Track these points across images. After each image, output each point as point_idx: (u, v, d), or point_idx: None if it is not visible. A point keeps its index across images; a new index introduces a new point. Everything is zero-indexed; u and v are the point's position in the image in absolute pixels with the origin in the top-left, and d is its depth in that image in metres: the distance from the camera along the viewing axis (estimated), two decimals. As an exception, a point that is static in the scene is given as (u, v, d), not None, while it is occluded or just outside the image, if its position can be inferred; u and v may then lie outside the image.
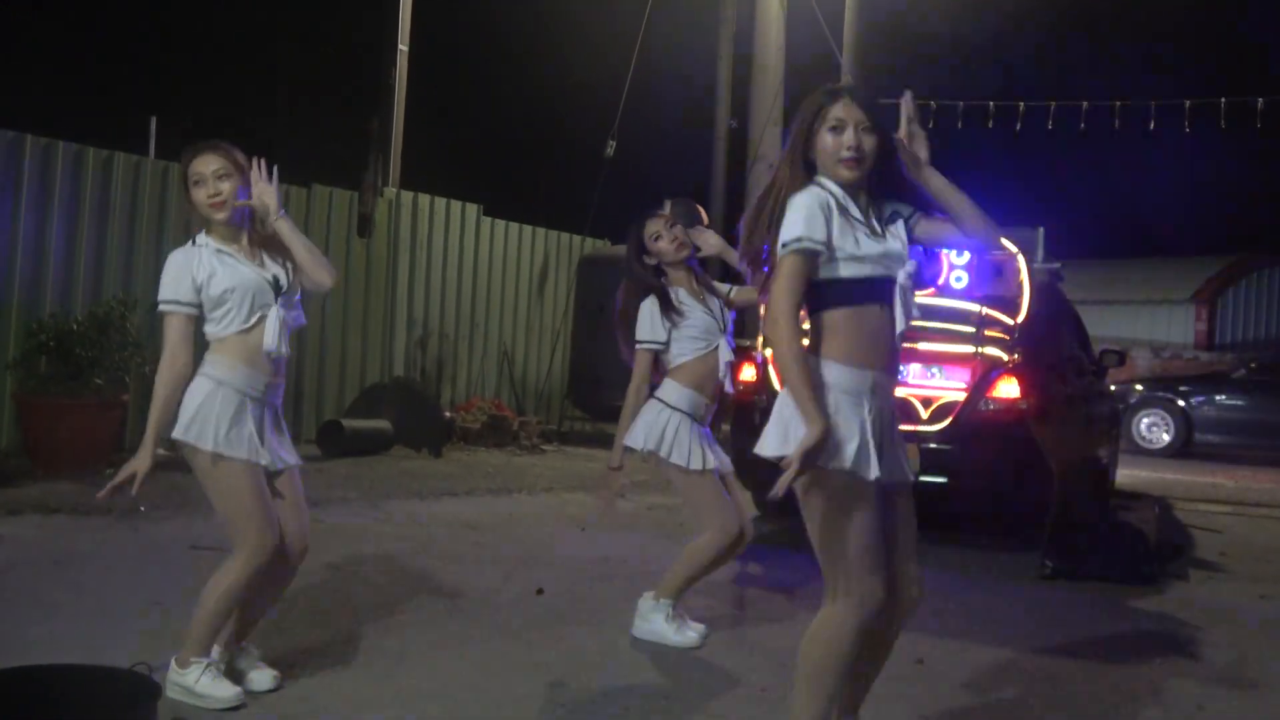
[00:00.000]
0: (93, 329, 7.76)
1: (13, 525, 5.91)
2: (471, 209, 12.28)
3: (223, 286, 3.45)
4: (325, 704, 3.54)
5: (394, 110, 12.13)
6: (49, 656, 3.53)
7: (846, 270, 2.78)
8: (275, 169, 3.60)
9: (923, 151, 2.83)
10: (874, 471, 2.73)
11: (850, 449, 2.70)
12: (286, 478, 3.59)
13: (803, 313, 2.83)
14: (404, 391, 10.52)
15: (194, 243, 3.53)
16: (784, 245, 2.75)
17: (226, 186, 3.47)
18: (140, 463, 3.34)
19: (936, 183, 2.83)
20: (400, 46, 12.31)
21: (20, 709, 2.78)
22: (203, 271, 3.46)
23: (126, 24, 21.02)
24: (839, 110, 2.81)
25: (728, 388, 4.45)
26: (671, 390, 4.36)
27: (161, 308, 3.48)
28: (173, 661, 3.49)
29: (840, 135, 2.80)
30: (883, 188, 2.89)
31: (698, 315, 4.35)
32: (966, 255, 7.08)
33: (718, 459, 4.42)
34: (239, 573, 3.43)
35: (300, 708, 3.50)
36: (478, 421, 10.97)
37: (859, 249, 2.78)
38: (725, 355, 4.37)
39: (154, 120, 9.29)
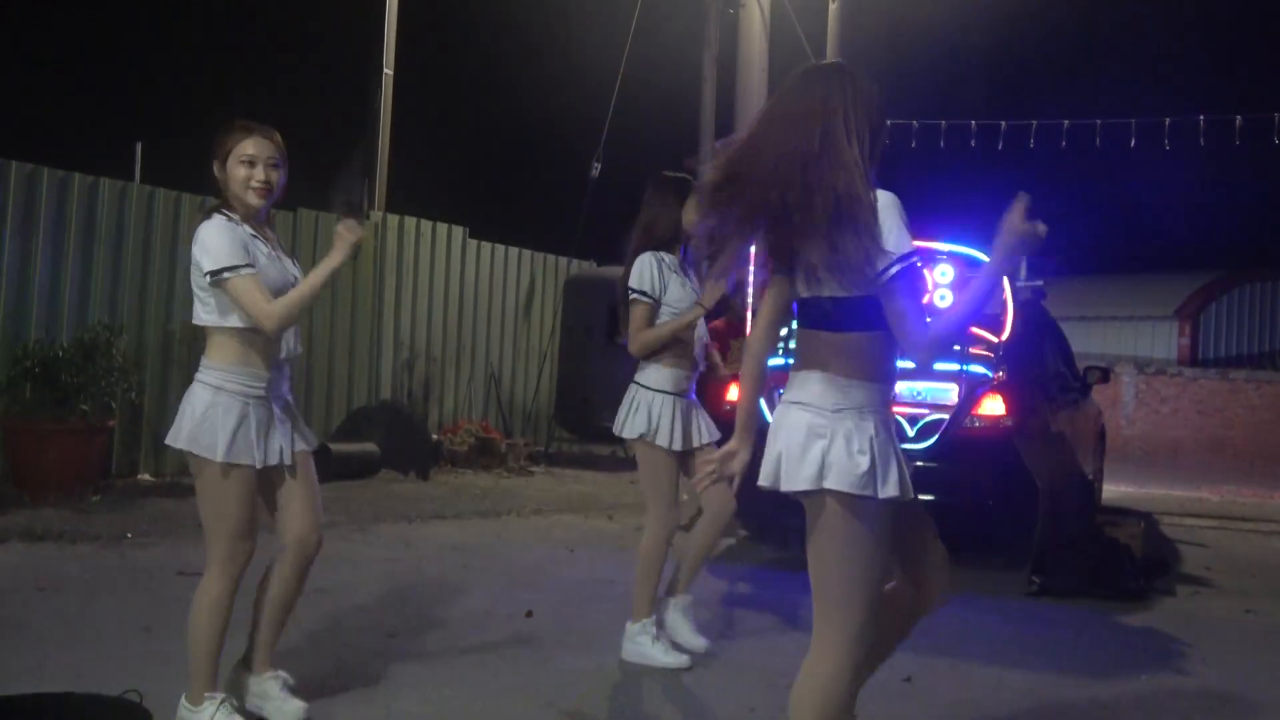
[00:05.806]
0: (78, 355, 7.74)
1: (-1, 553, 5.89)
2: (457, 231, 12.30)
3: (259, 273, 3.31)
4: (315, 729, 3.53)
5: (379, 134, 12.16)
6: (37, 685, 3.52)
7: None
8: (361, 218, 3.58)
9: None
10: (890, 491, 2.54)
11: (892, 475, 2.54)
12: (300, 466, 3.46)
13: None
14: (391, 414, 10.50)
15: (227, 217, 3.35)
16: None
17: (275, 177, 3.39)
18: None
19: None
20: (385, 71, 12.35)
21: (9, 738, 2.77)
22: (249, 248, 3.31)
23: (112, 50, 21.05)
24: None
25: (700, 364, 4.63)
26: (652, 374, 4.50)
27: (225, 275, 3.24)
28: (184, 698, 3.34)
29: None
30: None
31: (685, 291, 4.53)
32: (951, 273, 7.11)
33: (702, 429, 4.54)
34: (215, 586, 3.31)
35: (290, 733, 3.49)
36: (465, 444, 10.97)
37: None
38: (700, 332, 4.59)
39: (139, 146, 9.30)
